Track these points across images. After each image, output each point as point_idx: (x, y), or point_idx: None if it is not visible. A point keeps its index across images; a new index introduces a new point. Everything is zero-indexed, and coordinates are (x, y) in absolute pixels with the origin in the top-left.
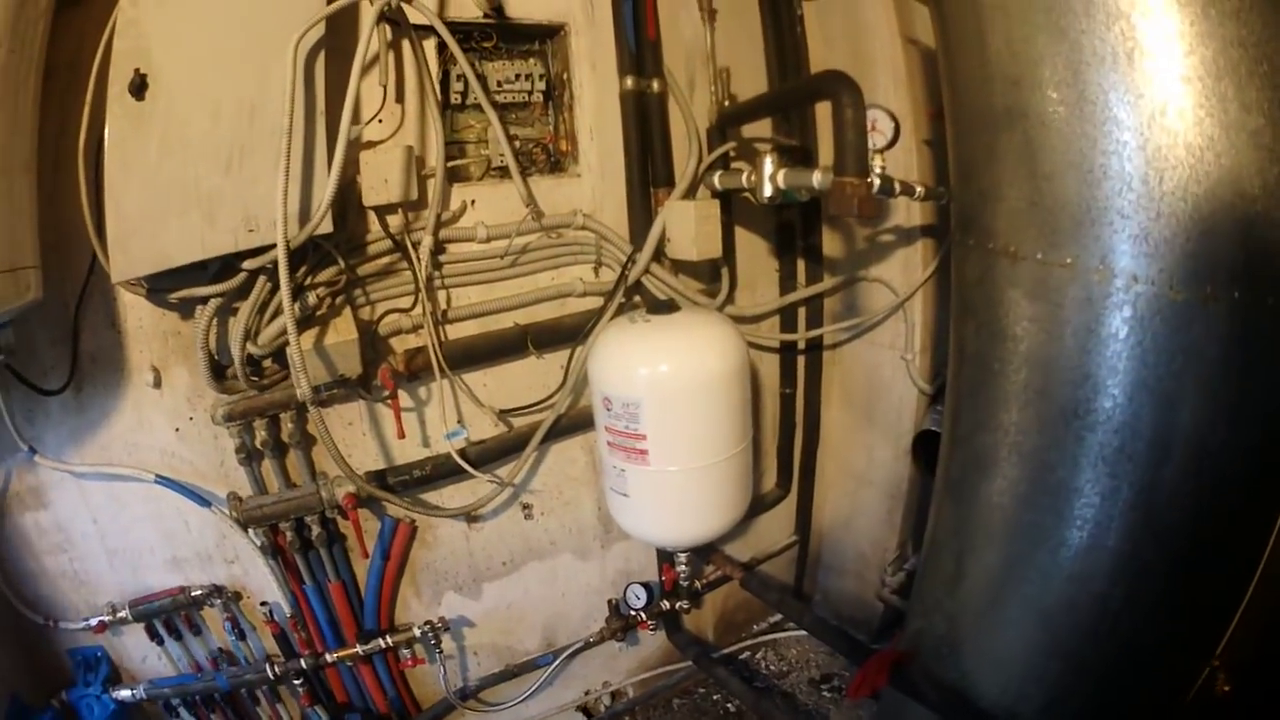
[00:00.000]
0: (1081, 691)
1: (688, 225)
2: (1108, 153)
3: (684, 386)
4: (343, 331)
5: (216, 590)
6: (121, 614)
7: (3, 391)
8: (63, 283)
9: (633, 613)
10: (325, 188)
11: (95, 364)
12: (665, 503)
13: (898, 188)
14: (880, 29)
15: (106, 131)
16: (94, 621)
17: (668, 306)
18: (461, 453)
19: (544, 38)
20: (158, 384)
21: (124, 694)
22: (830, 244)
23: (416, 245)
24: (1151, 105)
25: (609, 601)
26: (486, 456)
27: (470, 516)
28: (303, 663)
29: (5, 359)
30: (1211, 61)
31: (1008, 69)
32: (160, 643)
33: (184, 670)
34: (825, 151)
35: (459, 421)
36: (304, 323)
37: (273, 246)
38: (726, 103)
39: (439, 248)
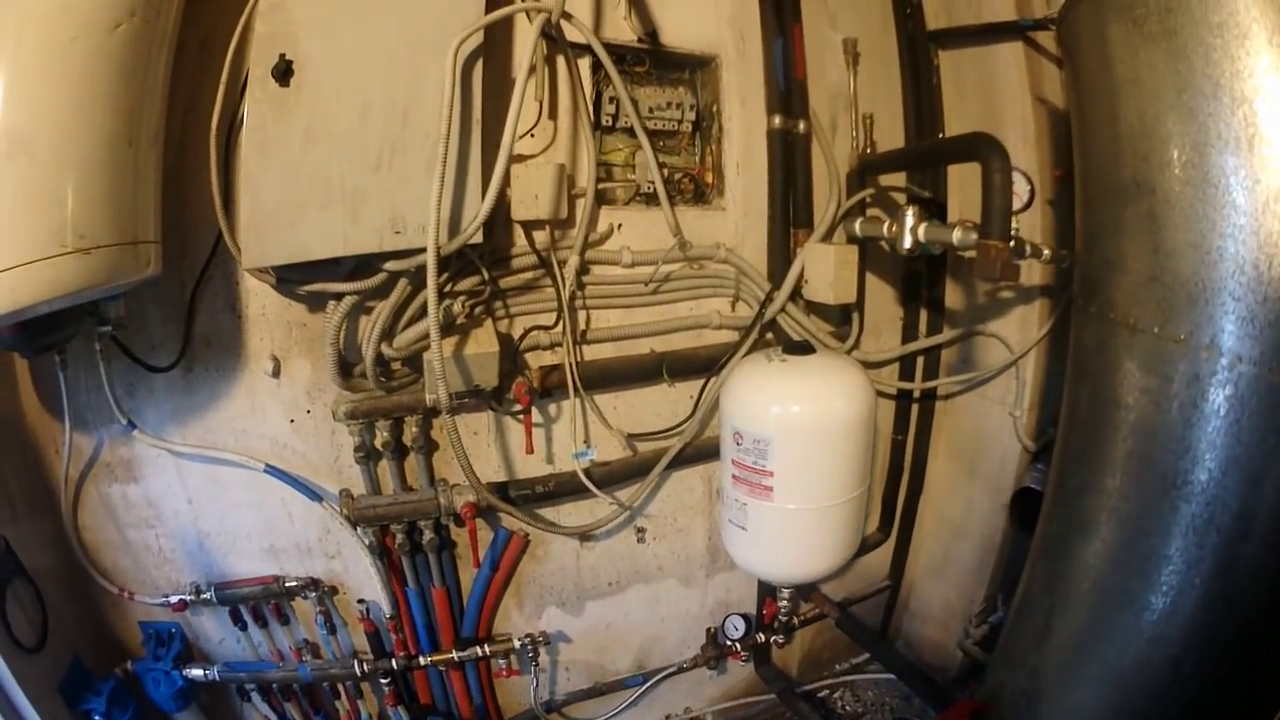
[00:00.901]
0: None
1: (826, 269)
2: (1225, 235)
3: (815, 428)
4: (483, 343)
5: (313, 583)
6: (206, 595)
7: (105, 363)
8: (181, 261)
9: (729, 642)
10: (477, 196)
11: (210, 346)
12: (782, 539)
13: (1029, 249)
14: (1011, 86)
15: (245, 114)
16: (175, 599)
17: (804, 348)
18: (587, 473)
19: (695, 68)
20: (276, 373)
21: (196, 672)
22: (952, 296)
23: (562, 264)
24: (1266, 191)
25: (707, 630)
26: (610, 478)
27: (585, 535)
28: (394, 663)
29: (112, 331)
30: None
31: (1139, 144)
32: (244, 628)
33: (264, 657)
34: (954, 205)
35: (586, 441)
36: (444, 330)
37: (418, 250)
38: (869, 149)
39: (584, 268)
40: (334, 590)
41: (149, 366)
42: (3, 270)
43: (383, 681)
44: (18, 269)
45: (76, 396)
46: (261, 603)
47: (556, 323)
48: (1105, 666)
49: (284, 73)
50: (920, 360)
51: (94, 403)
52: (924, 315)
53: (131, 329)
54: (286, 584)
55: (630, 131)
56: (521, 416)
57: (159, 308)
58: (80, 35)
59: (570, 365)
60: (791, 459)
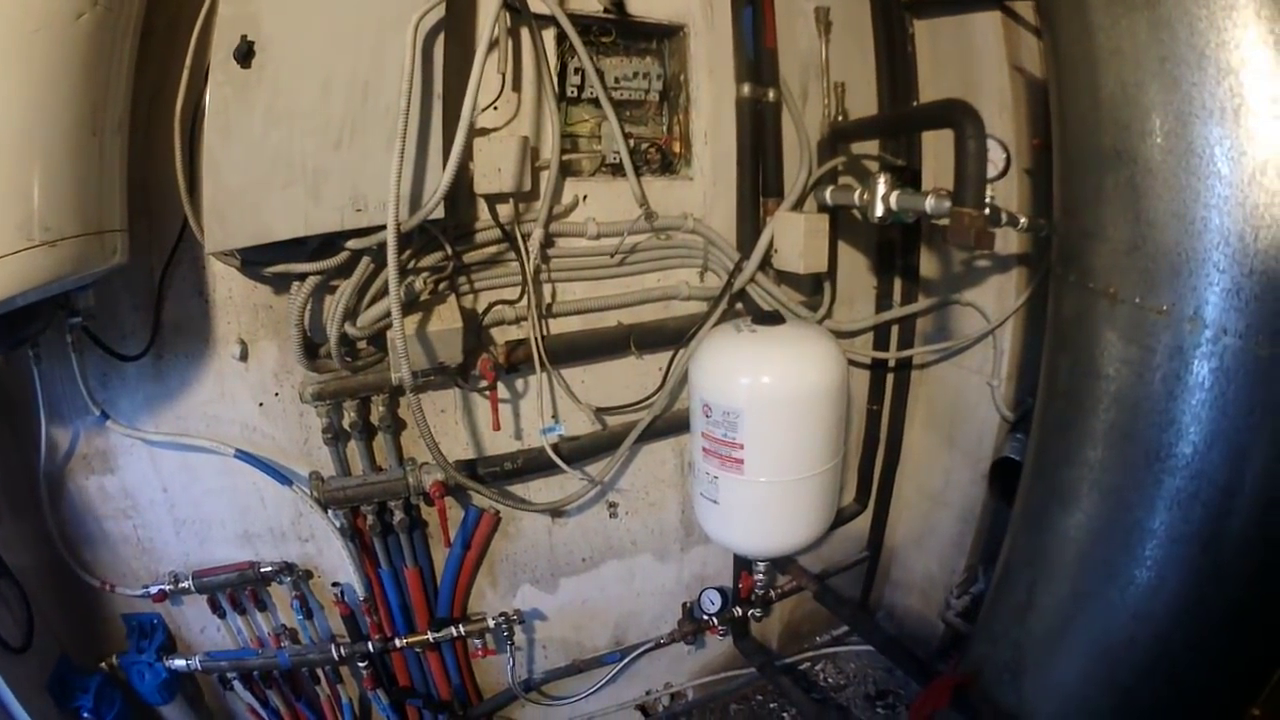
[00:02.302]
0: None
1: (796, 238)
2: (1209, 206)
3: (786, 400)
4: (446, 319)
5: (287, 568)
6: (184, 584)
7: (77, 355)
8: (149, 248)
9: (706, 617)
10: (439, 172)
11: (178, 332)
12: (755, 512)
13: (1004, 218)
14: (989, 55)
15: (208, 97)
16: (154, 589)
17: (774, 318)
18: (555, 448)
19: (662, 37)
20: (244, 357)
21: (178, 663)
22: (927, 265)
23: (526, 237)
24: (1253, 163)
25: (683, 604)
26: (579, 453)
27: (556, 512)
28: (370, 646)
29: (82, 322)
30: None
31: (1119, 113)
32: (222, 615)
33: (244, 644)
34: (929, 173)
35: (554, 417)
36: (407, 307)
37: (380, 228)
38: (840, 117)
39: (548, 241)
40: (309, 574)
41: (120, 355)
42: None
43: (360, 665)
44: None
45: (51, 390)
46: (238, 589)
47: (521, 296)
48: (1090, 641)
49: (245, 54)
50: (895, 330)
51: (68, 395)
52: (898, 284)
53: (102, 319)
54: (262, 569)
55: (596, 102)
56: (488, 393)
57: (129, 296)
58: (42, 27)
59: (536, 339)
60: (762, 431)
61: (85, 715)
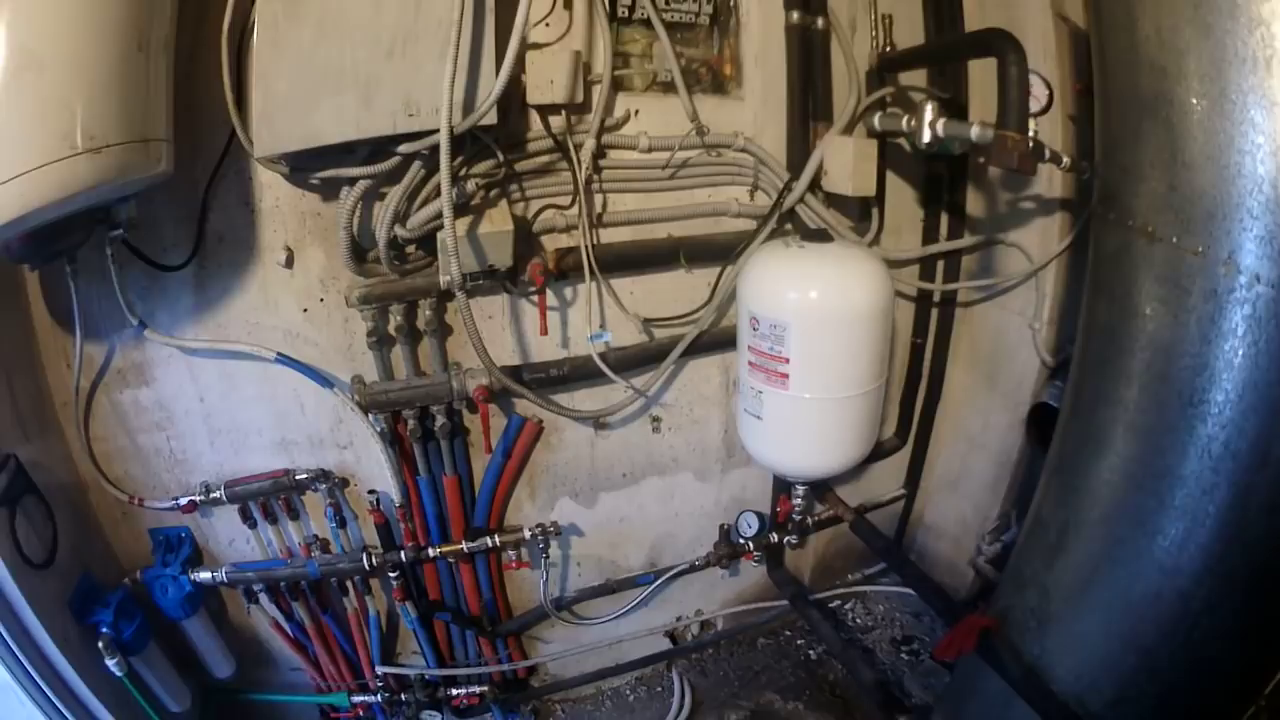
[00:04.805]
0: (1149, 694)
1: (846, 161)
2: (1243, 152)
3: (832, 315)
4: (497, 222)
5: (323, 475)
6: (215, 494)
7: (117, 267)
8: (194, 163)
9: (742, 541)
10: (491, 80)
11: (222, 243)
12: (797, 430)
13: (1047, 153)
14: (1031, 3)
15: (256, 13)
16: (184, 501)
17: (822, 235)
18: (602, 356)
19: None
20: (289, 264)
21: (204, 576)
22: (973, 203)
23: (578, 147)
24: None
25: (720, 527)
26: (625, 364)
27: (599, 423)
28: (403, 555)
29: (124, 235)
30: None
31: (1155, 56)
32: (253, 526)
33: (273, 555)
34: (975, 109)
35: (601, 325)
36: (458, 210)
37: (431, 132)
38: (888, 48)
39: (600, 152)
40: (345, 482)
41: (161, 266)
42: (13, 177)
43: (391, 575)
44: (29, 174)
45: (88, 305)
46: (271, 498)
47: (572, 204)
48: (1116, 592)
49: None
50: (940, 264)
51: (105, 310)
52: (945, 219)
53: (144, 231)
54: (297, 477)
55: (647, 23)
56: (536, 298)
57: (171, 209)
58: None
59: (586, 247)
60: (808, 346)
61: (104, 630)
